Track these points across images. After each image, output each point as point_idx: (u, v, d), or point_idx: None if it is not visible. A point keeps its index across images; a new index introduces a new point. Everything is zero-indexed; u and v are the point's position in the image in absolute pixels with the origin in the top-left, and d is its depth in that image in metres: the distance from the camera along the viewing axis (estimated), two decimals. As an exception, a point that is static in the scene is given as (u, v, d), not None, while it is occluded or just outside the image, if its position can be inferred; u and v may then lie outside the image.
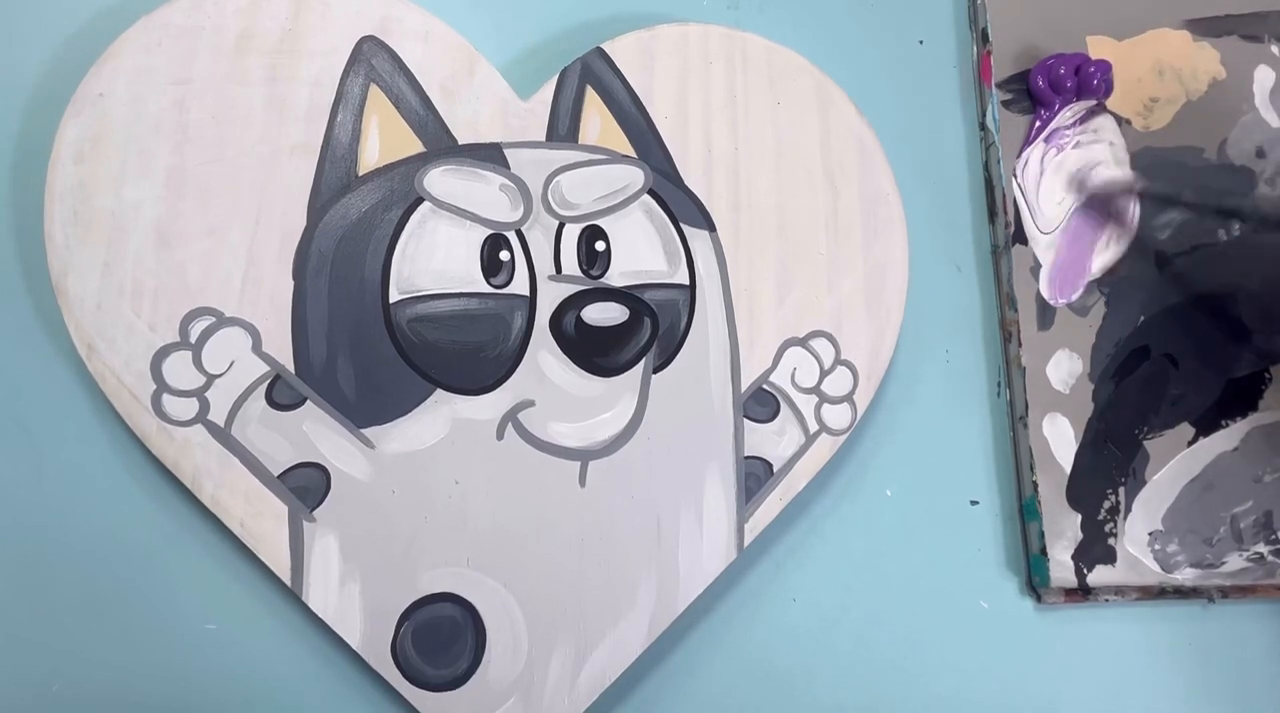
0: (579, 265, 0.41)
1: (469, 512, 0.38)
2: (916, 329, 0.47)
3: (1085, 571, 0.44)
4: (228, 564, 0.38)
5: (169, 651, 0.37)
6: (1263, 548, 0.45)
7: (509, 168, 0.41)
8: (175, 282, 0.38)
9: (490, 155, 0.41)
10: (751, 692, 0.41)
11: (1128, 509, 0.45)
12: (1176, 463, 0.46)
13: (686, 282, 0.42)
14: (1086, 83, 0.48)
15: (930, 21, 0.52)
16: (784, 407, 0.42)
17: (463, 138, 0.41)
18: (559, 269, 0.41)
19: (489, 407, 0.39)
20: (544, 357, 0.40)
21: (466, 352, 0.39)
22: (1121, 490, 0.45)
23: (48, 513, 0.38)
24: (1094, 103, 0.49)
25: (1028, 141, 0.49)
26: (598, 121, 0.43)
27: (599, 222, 0.42)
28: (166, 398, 0.37)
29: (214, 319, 0.38)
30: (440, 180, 0.40)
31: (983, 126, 0.50)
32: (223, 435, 0.37)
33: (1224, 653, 0.45)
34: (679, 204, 0.43)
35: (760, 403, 0.42)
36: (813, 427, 0.42)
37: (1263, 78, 0.51)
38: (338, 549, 0.37)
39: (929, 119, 0.50)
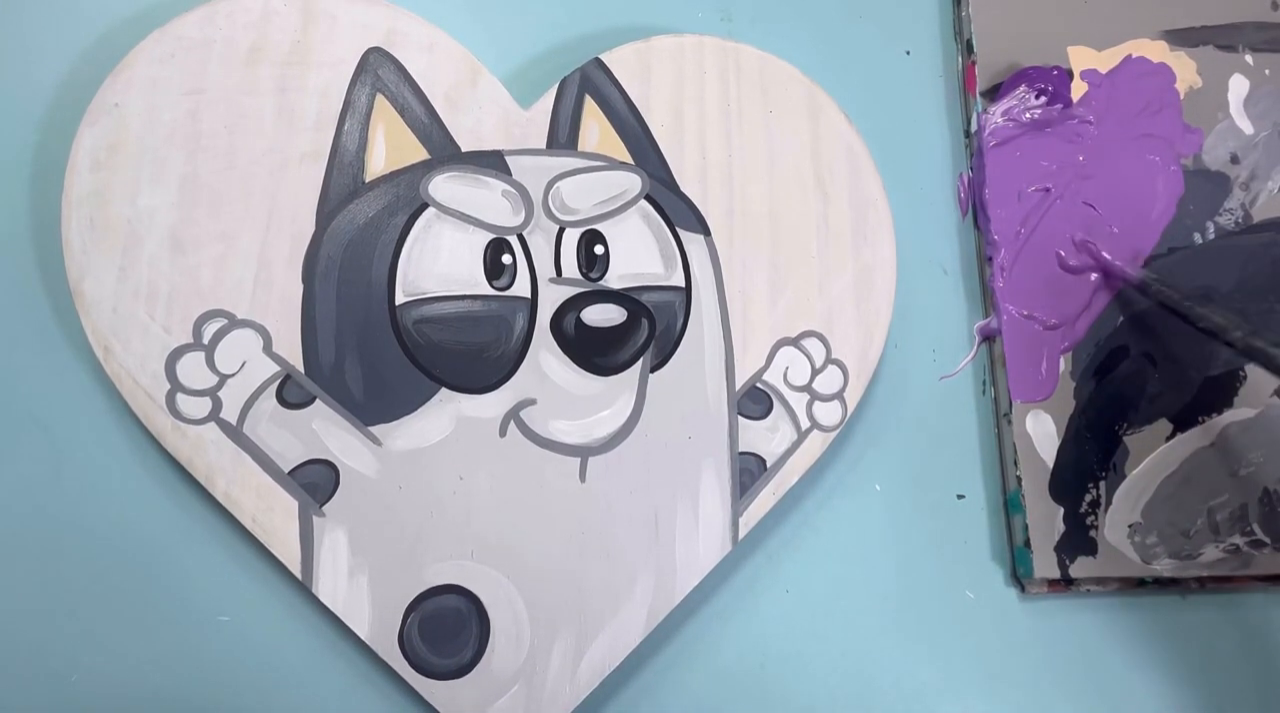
0: (579, 268, 0.42)
1: (473, 506, 0.39)
2: (904, 329, 0.48)
3: (1067, 562, 0.45)
4: (240, 558, 0.39)
5: (183, 641, 0.38)
6: (1238, 539, 0.47)
7: (511, 174, 0.42)
8: (189, 285, 0.38)
9: (492, 162, 0.42)
10: (746, 679, 0.42)
11: (1108, 503, 0.46)
12: (1155, 458, 0.47)
13: (682, 284, 0.43)
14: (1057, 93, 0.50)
15: (917, 33, 0.53)
16: (777, 404, 0.43)
17: (466, 145, 0.42)
18: (559, 272, 0.42)
19: (492, 405, 0.40)
20: (545, 356, 0.41)
21: (470, 352, 0.40)
22: (1102, 485, 0.46)
23: (66, 509, 0.39)
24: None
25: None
26: (596, 129, 0.44)
27: (598, 226, 0.43)
28: (180, 397, 0.38)
29: (226, 321, 0.38)
30: (444, 187, 0.42)
31: (967, 133, 0.51)
32: (235, 433, 0.38)
33: (1199, 644, 0.47)
34: (675, 209, 0.44)
35: (754, 401, 0.43)
36: (804, 423, 0.43)
37: (1237, 86, 0.53)
38: (346, 543, 0.38)
39: (916, 126, 0.52)
